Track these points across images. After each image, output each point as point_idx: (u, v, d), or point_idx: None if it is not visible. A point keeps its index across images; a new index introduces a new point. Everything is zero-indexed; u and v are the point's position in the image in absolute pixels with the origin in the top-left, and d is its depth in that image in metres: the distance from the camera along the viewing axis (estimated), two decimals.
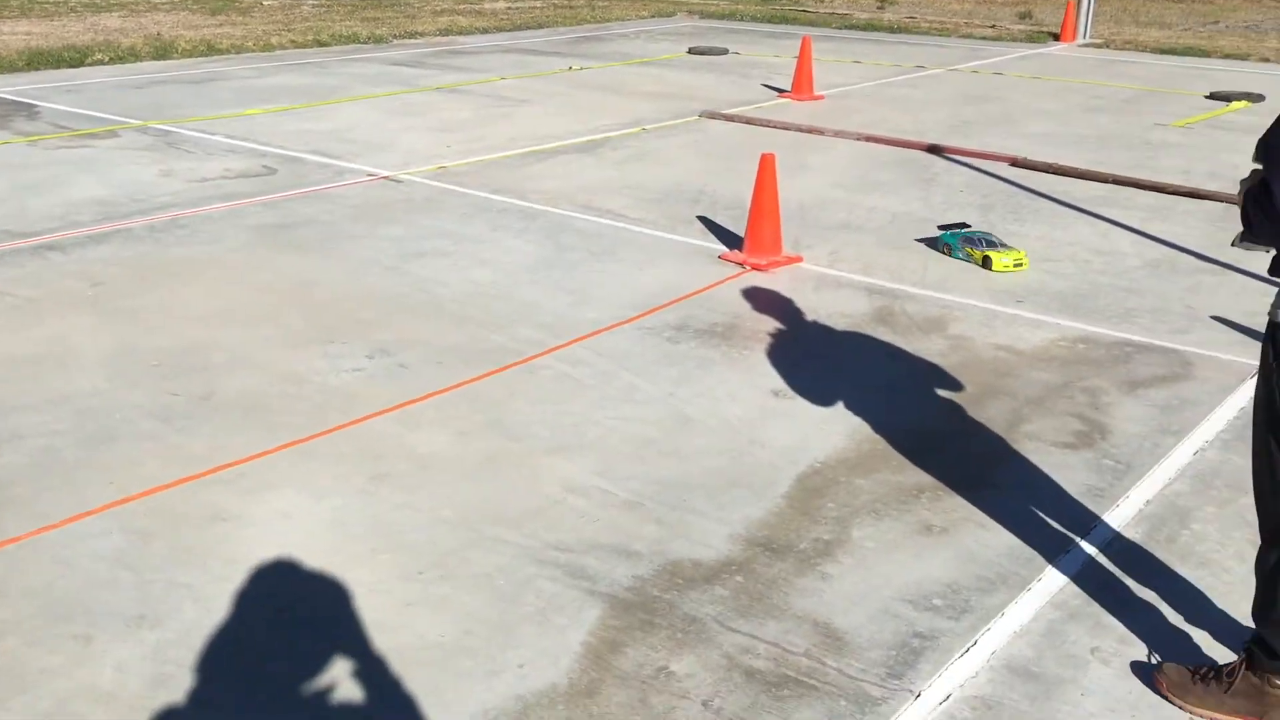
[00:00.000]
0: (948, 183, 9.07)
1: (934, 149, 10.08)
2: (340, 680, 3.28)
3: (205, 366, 5.29)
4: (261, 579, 3.72)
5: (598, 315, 6.10)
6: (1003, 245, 6.75)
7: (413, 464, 4.51)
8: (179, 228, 7.31)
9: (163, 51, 14.66)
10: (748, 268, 6.95)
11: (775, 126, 10.98)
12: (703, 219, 7.93)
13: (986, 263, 6.74)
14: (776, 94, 12.81)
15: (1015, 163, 9.59)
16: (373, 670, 3.32)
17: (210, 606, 3.57)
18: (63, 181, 8.27)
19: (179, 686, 3.21)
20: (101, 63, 14.06)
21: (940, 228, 7.27)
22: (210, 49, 15.14)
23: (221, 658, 3.35)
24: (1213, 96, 12.89)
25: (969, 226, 7.26)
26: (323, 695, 3.23)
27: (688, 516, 4.19)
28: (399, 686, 3.26)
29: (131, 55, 14.35)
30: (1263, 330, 3.03)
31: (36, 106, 10.92)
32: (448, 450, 4.63)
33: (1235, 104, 12.39)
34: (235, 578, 3.72)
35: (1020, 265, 6.69)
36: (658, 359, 5.59)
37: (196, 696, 3.18)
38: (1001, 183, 9.09)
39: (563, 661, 3.39)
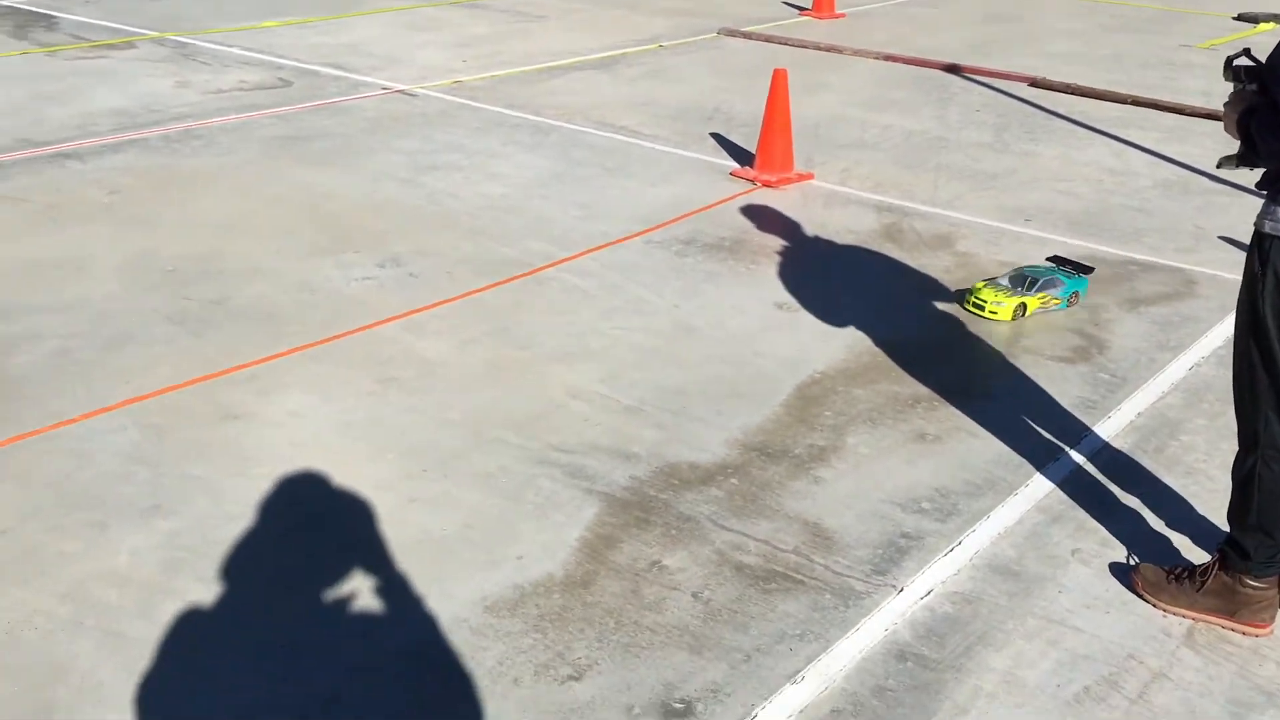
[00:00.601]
0: (964, 102, 9.00)
1: (952, 68, 9.99)
2: (344, 568, 3.42)
3: (219, 273, 5.40)
4: (271, 474, 3.85)
5: (607, 229, 6.16)
6: (1025, 291, 5.14)
7: (420, 369, 4.61)
8: (194, 139, 7.37)
9: None
10: (758, 184, 6.97)
11: (794, 45, 10.87)
12: (716, 136, 7.93)
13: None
14: (797, 12, 12.66)
15: (1034, 83, 9.50)
16: (376, 560, 3.46)
17: (221, 499, 3.71)
18: (81, 92, 8.31)
19: (191, 572, 3.36)
20: None
21: (1050, 259, 5.58)
22: None
23: (232, 547, 3.49)
24: (1240, 18, 12.65)
25: (1084, 273, 5.41)
26: (328, 581, 3.36)
27: (687, 422, 4.29)
28: (402, 575, 3.39)
29: None
30: None
31: (55, 17, 10.91)
32: (454, 357, 4.73)
33: (1263, 25, 12.17)
34: (246, 473, 3.85)
35: (980, 308, 5.14)
36: (665, 272, 5.65)
37: (207, 580, 3.33)
38: (1019, 103, 9.02)
39: (559, 554, 3.52)
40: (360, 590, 3.33)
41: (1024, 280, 5.19)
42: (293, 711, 2.89)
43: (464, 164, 7.14)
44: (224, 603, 3.25)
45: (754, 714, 2.91)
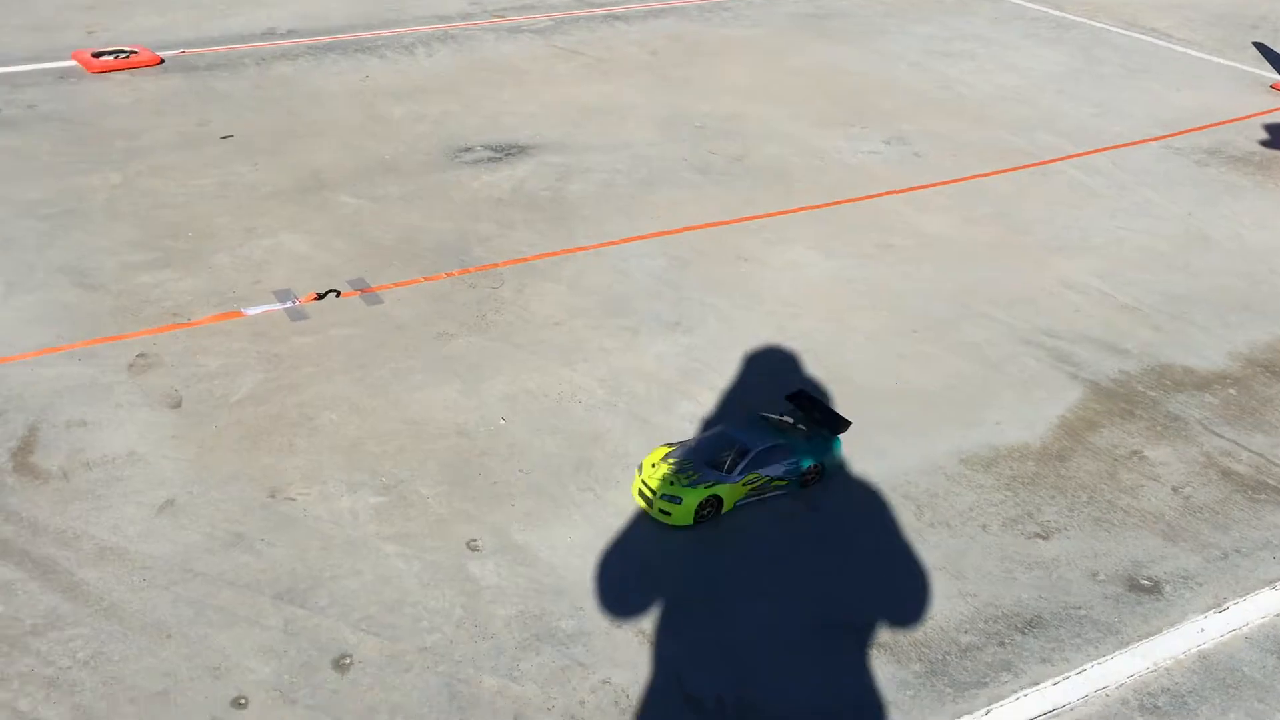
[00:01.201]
0: None
1: None
2: (833, 398, 3.73)
3: (740, 132, 5.84)
4: (774, 312, 4.24)
5: (1122, 129, 5.95)
6: (725, 475, 3.16)
7: (917, 240, 4.80)
8: (724, 10, 7.87)
9: None
10: None
11: None
12: (1259, 45, 7.29)
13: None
14: None
15: None
16: (865, 398, 3.74)
17: (731, 325, 4.14)
18: None
19: (703, 380, 3.82)
20: None
21: (793, 398, 3.53)
22: None
23: (734, 364, 3.91)
24: None
25: (836, 431, 3.39)
26: (820, 407, 3.70)
27: (1186, 328, 4.18)
28: (885, 415, 3.65)
29: None
30: None
31: None
32: (952, 233, 4.87)
33: None
34: (753, 308, 4.27)
35: (649, 501, 3.13)
36: (1181, 179, 5.41)
37: (716, 391, 3.77)
38: None
39: (1037, 427, 3.63)
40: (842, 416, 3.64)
41: (731, 447, 3.24)
42: (780, 516, 3.26)
43: (978, 53, 7.11)
44: (726, 411, 3.68)
45: (1224, 605, 2.92)
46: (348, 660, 2.69)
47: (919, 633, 2.83)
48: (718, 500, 3.14)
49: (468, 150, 5.47)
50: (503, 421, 3.54)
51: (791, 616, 2.87)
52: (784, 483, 3.26)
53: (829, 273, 4.54)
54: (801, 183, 5.31)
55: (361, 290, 4.24)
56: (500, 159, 5.39)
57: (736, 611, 2.88)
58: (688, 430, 3.54)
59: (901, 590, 2.97)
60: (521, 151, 5.48)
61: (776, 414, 3.44)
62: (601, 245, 4.66)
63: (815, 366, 3.93)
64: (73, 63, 6.28)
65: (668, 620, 2.84)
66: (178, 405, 3.53)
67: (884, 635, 2.82)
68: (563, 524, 3.15)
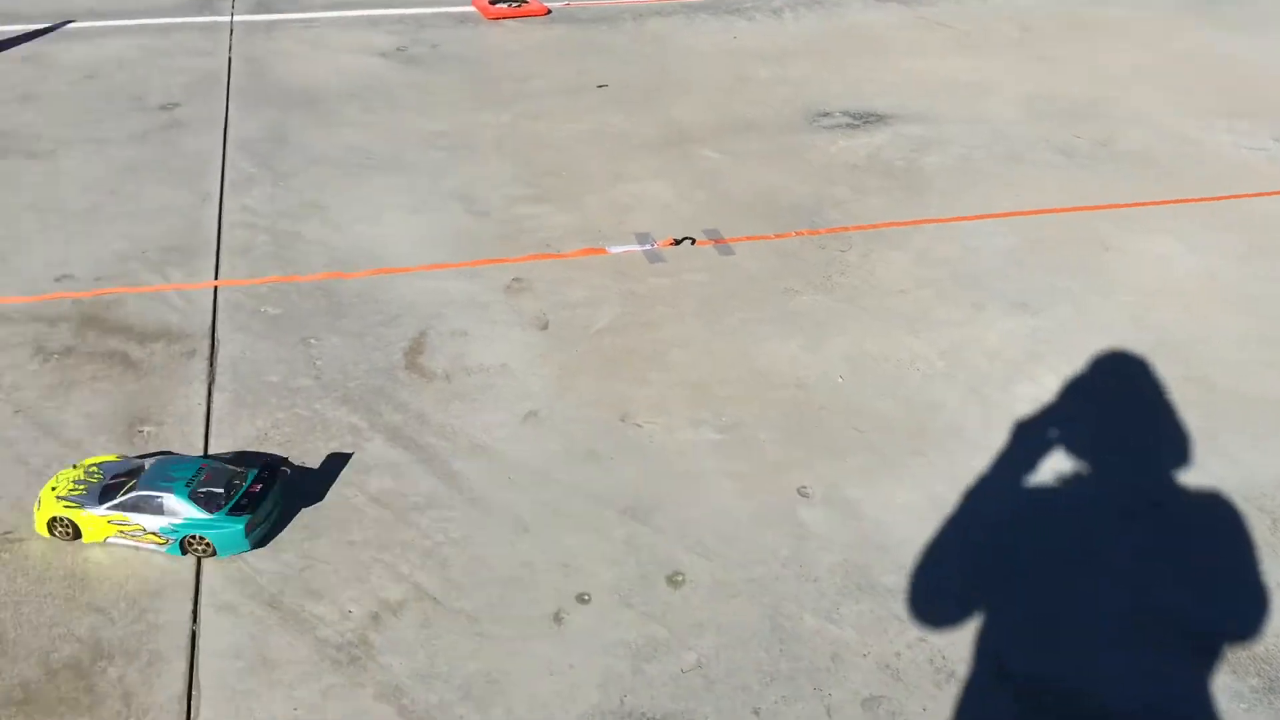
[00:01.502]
0: None
1: None
2: (1190, 402, 3.58)
3: (1108, 116, 5.61)
4: (1132, 304, 4.09)
5: None
6: (94, 503, 2.96)
7: None
8: None
9: None
10: None
11: None
12: None
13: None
14: None
15: None
16: (1221, 403, 3.57)
17: (1084, 311, 4.04)
18: None
19: (1046, 364, 3.76)
20: None
21: (267, 469, 3.10)
22: None
23: (1083, 351, 3.81)
24: None
25: (240, 510, 2.96)
26: (1166, 409, 3.56)
27: None
28: (1243, 423, 3.48)
29: None
30: None
31: None
32: None
33: None
34: (1109, 296, 4.13)
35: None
36: None
37: (1059, 373, 3.70)
38: None
39: None
40: (1188, 425, 3.49)
41: (117, 481, 3.01)
42: (1119, 510, 3.20)
43: None
44: (1069, 395, 3.61)
45: None
46: (680, 578, 2.90)
47: (1260, 647, 2.72)
48: (72, 527, 2.95)
49: (827, 115, 5.56)
50: (841, 380, 3.65)
51: (1122, 609, 2.83)
52: (160, 540, 2.94)
53: (1194, 269, 4.33)
54: (1172, 174, 5.06)
55: (715, 240, 4.44)
56: (859, 126, 5.45)
57: (1065, 597, 2.87)
58: (1022, 412, 3.51)
59: (1244, 601, 2.85)
60: (880, 120, 5.52)
61: (241, 464, 3.11)
62: (953, 219, 4.64)
63: (1170, 363, 3.77)
64: (471, 9, 6.86)
65: (991, 594, 2.87)
66: (545, 328, 3.87)
67: (1220, 644, 2.73)
68: (893, 484, 3.22)
